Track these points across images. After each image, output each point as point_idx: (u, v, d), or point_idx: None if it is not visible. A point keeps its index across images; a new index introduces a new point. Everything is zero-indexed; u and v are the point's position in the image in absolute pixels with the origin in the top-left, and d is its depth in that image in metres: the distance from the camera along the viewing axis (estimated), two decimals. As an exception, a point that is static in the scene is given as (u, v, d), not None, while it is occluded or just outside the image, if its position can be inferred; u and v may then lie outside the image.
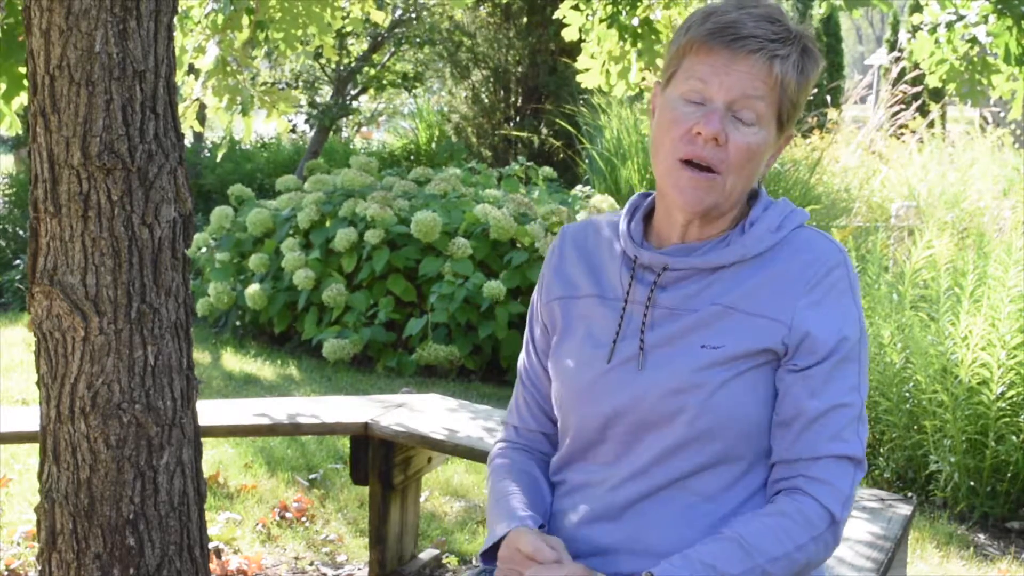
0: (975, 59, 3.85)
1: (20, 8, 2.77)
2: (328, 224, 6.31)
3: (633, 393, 1.49)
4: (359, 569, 3.39)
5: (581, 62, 4.16)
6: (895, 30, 15.35)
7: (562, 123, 9.24)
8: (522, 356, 1.71)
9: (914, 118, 9.53)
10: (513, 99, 10.99)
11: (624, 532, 1.50)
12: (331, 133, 12.29)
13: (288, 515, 3.74)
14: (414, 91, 13.22)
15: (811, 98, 11.42)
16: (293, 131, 14.09)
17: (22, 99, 3.05)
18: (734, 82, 1.40)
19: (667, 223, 1.53)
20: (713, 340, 1.45)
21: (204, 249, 6.78)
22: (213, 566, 3.23)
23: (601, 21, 3.97)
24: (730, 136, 1.41)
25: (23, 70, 2.95)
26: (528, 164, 7.79)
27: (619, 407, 1.50)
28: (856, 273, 1.50)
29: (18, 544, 3.45)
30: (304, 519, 3.73)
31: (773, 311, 1.44)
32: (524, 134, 10.48)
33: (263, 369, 5.84)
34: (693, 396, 1.45)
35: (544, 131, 10.37)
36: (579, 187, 7.29)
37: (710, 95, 1.41)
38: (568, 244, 1.64)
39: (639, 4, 3.93)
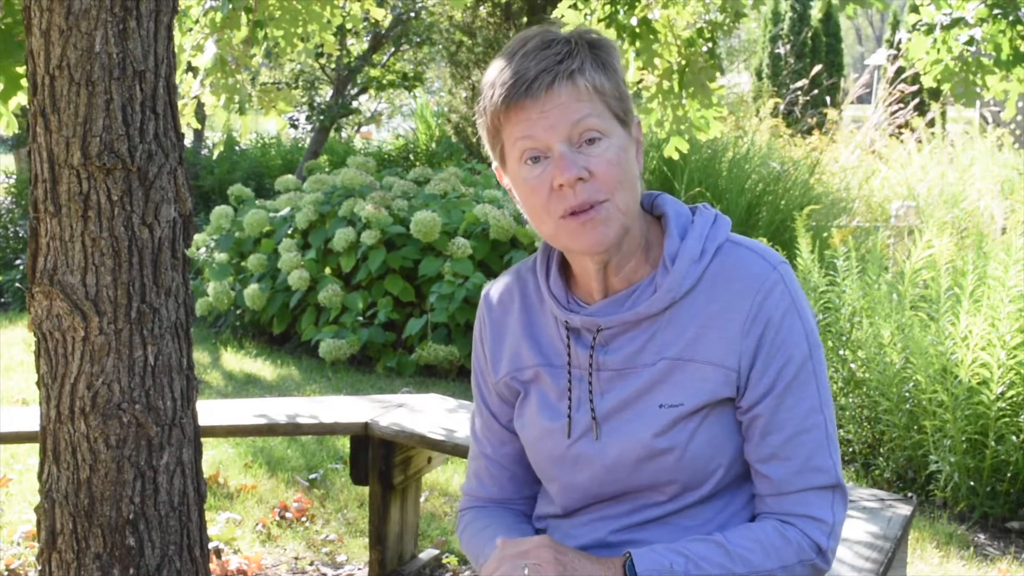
0: (969, 60, 3.86)
1: (19, 8, 2.77)
2: (328, 224, 6.31)
3: (604, 464, 1.46)
4: (359, 569, 3.39)
5: (580, 62, 4.15)
6: (895, 30, 15.35)
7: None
8: (477, 423, 1.64)
9: (912, 118, 9.52)
10: (513, 99, 10.97)
11: (615, 553, 1.49)
12: (331, 132, 12.28)
13: (288, 515, 3.74)
14: (414, 91, 13.22)
15: (809, 98, 11.31)
16: (294, 126, 14.09)
17: (19, 99, 3.05)
18: (556, 119, 1.34)
19: (585, 273, 1.47)
20: (670, 398, 1.42)
21: (204, 249, 6.78)
22: (213, 566, 3.23)
23: (599, 20, 3.97)
24: (590, 165, 1.35)
25: (21, 70, 2.95)
26: (528, 164, 7.78)
27: (594, 479, 1.48)
28: (796, 282, 1.45)
29: (18, 544, 3.45)
30: (304, 519, 3.73)
31: (720, 356, 1.41)
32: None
33: (263, 369, 5.84)
34: (666, 458, 1.43)
35: (544, 131, 10.36)
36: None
37: (545, 144, 1.36)
38: (497, 311, 1.58)
39: (637, 4, 3.93)
